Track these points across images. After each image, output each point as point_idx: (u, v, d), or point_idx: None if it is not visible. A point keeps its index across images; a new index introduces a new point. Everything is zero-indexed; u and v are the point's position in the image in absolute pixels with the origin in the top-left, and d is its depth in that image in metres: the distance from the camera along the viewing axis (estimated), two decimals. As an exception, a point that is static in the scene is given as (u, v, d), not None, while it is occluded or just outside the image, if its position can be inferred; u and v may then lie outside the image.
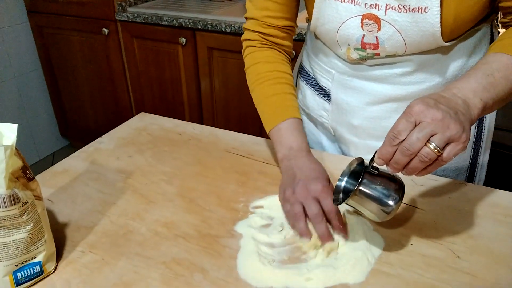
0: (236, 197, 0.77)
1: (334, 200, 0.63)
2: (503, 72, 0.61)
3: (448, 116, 0.53)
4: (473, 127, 0.84)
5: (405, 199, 0.75)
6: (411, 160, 0.54)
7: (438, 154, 0.53)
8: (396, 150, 0.54)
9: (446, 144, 0.53)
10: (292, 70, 0.89)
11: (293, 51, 0.91)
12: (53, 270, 0.61)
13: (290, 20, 0.85)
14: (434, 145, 0.53)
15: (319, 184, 0.68)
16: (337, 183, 0.65)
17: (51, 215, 0.73)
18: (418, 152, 0.53)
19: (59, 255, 0.64)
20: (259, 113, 0.84)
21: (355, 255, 0.63)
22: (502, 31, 0.73)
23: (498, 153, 1.47)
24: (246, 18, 0.87)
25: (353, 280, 0.59)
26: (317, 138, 0.98)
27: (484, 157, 0.88)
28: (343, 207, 0.69)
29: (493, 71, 0.61)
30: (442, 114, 0.53)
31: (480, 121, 0.85)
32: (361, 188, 0.58)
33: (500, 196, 0.75)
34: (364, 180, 0.58)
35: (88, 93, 2.36)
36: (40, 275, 0.59)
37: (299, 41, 1.63)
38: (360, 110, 0.83)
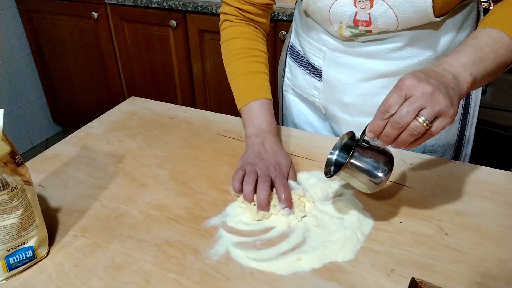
0: (228, 179, 0.77)
1: (325, 173, 0.64)
2: (492, 47, 0.62)
3: (438, 90, 0.54)
4: (461, 103, 0.85)
5: (394, 178, 0.76)
6: (400, 133, 0.55)
7: (427, 128, 0.54)
8: (387, 123, 0.56)
9: (435, 118, 0.55)
10: (275, 52, 0.89)
11: (279, 36, 0.92)
12: (45, 255, 0.62)
13: None
14: (423, 118, 0.54)
15: (278, 167, 0.73)
16: (329, 156, 0.67)
17: (42, 200, 0.73)
18: (408, 125, 0.54)
19: (51, 240, 0.65)
20: (232, 88, 0.86)
21: (345, 233, 0.63)
22: (486, 6, 0.73)
23: (484, 131, 1.49)
24: None
25: (343, 258, 0.60)
26: (307, 117, 0.98)
27: (470, 132, 0.89)
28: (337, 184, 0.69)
29: (482, 46, 0.62)
30: (432, 88, 0.54)
31: (467, 96, 0.85)
32: (352, 161, 0.59)
33: (487, 173, 0.76)
34: (355, 153, 0.59)
35: (80, 78, 2.34)
36: (32, 259, 0.60)
37: (283, 21, 1.62)
38: (352, 87, 0.84)
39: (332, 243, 0.62)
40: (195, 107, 2.08)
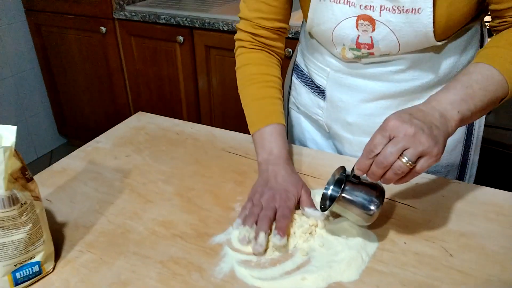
0: (234, 196, 0.78)
1: (321, 207, 0.68)
2: (482, 83, 0.63)
3: (421, 131, 0.56)
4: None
5: (399, 197, 0.76)
6: (386, 171, 0.58)
7: (411, 167, 0.57)
8: (372, 162, 0.58)
9: (420, 157, 0.57)
10: (286, 69, 0.90)
11: (285, 52, 0.93)
12: (51, 270, 0.62)
13: (282, 22, 0.86)
14: (407, 159, 0.56)
15: (284, 195, 0.71)
16: (324, 191, 0.70)
17: (49, 215, 0.74)
18: (392, 165, 0.57)
19: (57, 255, 0.65)
20: (245, 114, 0.86)
21: (350, 254, 0.64)
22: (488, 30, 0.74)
23: (489, 150, 1.49)
24: (240, 18, 0.88)
25: (348, 279, 0.60)
26: (311, 135, 0.99)
27: (475, 155, 0.89)
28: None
29: (472, 83, 0.63)
30: (415, 130, 0.56)
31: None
32: (343, 195, 0.62)
33: (491, 194, 0.77)
34: (346, 188, 0.62)
35: (86, 91, 2.37)
36: (38, 274, 0.60)
37: (294, 39, 1.64)
38: (355, 108, 0.84)
39: (337, 263, 0.62)
40: (200, 122, 2.09)
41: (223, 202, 0.76)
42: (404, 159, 0.56)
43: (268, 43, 0.87)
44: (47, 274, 0.62)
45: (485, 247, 0.65)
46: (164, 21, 1.89)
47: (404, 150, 0.56)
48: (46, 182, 0.83)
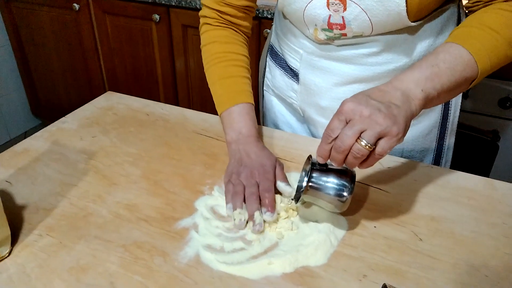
0: (203, 179, 0.76)
1: (295, 199, 0.66)
2: (450, 63, 0.61)
3: (377, 111, 0.54)
4: (439, 109, 0.85)
5: (371, 181, 0.75)
6: (347, 155, 0.56)
7: (370, 150, 0.55)
8: (332, 147, 0.56)
9: (380, 139, 0.55)
10: (259, 50, 0.87)
11: (264, 33, 0.89)
12: (7, 254, 0.59)
13: (249, 0, 0.83)
14: (365, 141, 0.54)
15: (261, 169, 0.70)
16: (298, 184, 0.68)
17: (8, 197, 0.70)
18: (350, 148, 0.55)
19: (15, 239, 0.62)
20: (212, 93, 0.83)
21: (318, 237, 0.62)
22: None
23: (465, 135, 1.50)
24: None
25: (315, 263, 0.59)
26: (286, 119, 0.97)
27: (450, 139, 0.88)
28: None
29: (439, 62, 0.61)
30: (370, 110, 0.54)
31: (446, 103, 0.85)
32: (310, 184, 0.61)
33: (464, 178, 0.76)
34: (314, 175, 0.61)
35: (60, 70, 2.29)
36: (-8, 259, 0.57)
37: (268, 19, 1.61)
38: (328, 91, 0.82)
39: (305, 247, 0.61)
40: (177, 103, 2.05)
41: (192, 185, 0.74)
42: (363, 142, 0.54)
43: (234, 21, 0.84)
44: (2, 259, 0.59)
45: (455, 232, 0.65)
46: (139, -2, 1.83)
47: (361, 132, 0.54)
48: (6, 163, 0.79)
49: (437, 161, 0.90)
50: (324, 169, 0.61)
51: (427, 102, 0.60)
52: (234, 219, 0.65)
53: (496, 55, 0.64)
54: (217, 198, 0.70)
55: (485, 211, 0.69)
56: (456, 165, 0.91)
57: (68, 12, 2.05)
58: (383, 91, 0.58)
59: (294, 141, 0.87)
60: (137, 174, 0.76)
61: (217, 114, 0.84)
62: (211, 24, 0.85)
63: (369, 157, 0.56)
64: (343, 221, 0.66)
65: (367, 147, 0.54)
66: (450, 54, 0.62)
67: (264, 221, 0.64)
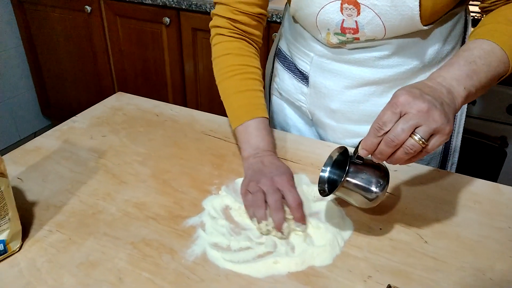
0: (210, 179, 0.76)
1: (320, 191, 0.63)
2: (485, 59, 0.61)
3: (434, 107, 0.52)
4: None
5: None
6: (395, 151, 0.54)
7: (423, 146, 0.53)
8: (381, 141, 0.54)
9: (431, 135, 0.53)
10: (266, 58, 0.88)
11: (272, 37, 0.89)
12: (18, 249, 0.61)
13: (262, 7, 0.82)
14: (419, 136, 0.52)
15: (284, 177, 0.68)
16: (321, 174, 0.65)
17: (20, 194, 0.72)
18: (403, 143, 0.53)
19: (25, 234, 0.63)
20: (226, 106, 0.82)
21: (325, 238, 0.63)
22: (477, 16, 0.73)
23: (471, 141, 1.49)
24: (215, 3, 0.84)
25: (321, 263, 0.60)
26: (294, 122, 0.98)
27: (456, 141, 0.89)
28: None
29: (475, 58, 0.61)
30: (428, 106, 0.52)
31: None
32: (348, 179, 0.58)
33: (470, 182, 0.76)
34: (351, 170, 0.58)
35: (70, 72, 2.32)
36: (4, 253, 0.58)
37: (276, 23, 1.62)
38: (338, 94, 0.83)
39: (311, 247, 0.61)
40: (185, 106, 2.07)
41: (199, 184, 0.75)
42: (417, 137, 0.52)
43: (248, 30, 0.83)
44: (13, 253, 0.60)
45: (460, 235, 0.65)
46: (150, 1, 1.85)
47: (415, 128, 0.52)
48: (18, 160, 0.80)
49: (443, 164, 0.90)
50: (360, 163, 0.58)
51: (467, 99, 0.59)
52: (261, 230, 0.64)
53: None
54: (224, 198, 0.71)
55: (491, 215, 0.69)
56: (464, 171, 0.90)
57: (80, 14, 2.08)
58: (431, 87, 0.56)
59: (301, 143, 0.88)
60: (146, 173, 0.78)
61: (225, 116, 0.84)
62: (223, 35, 0.83)
63: (417, 154, 0.54)
64: (349, 222, 0.67)
65: (420, 142, 0.52)
66: (484, 51, 0.61)
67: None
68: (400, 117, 0.53)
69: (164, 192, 0.73)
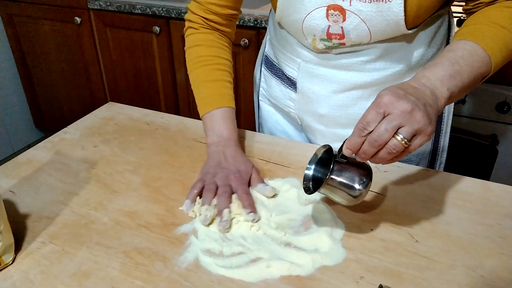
0: (202, 185, 0.77)
1: (305, 189, 0.64)
2: (468, 60, 0.62)
3: (417, 108, 0.53)
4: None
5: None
6: (379, 150, 0.55)
7: (406, 146, 0.54)
8: (365, 140, 0.55)
9: (413, 136, 0.54)
10: (255, 61, 0.88)
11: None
12: (11, 262, 0.61)
13: (234, 9, 0.86)
14: (402, 137, 0.53)
15: (238, 175, 0.73)
16: (306, 171, 0.66)
17: (12, 206, 0.72)
18: (386, 143, 0.54)
19: (18, 247, 0.63)
20: (195, 95, 0.86)
21: (316, 240, 0.63)
22: (464, 16, 0.74)
23: (459, 139, 1.51)
24: None
25: (313, 266, 0.60)
26: (283, 128, 0.98)
27: (444, 140, 0.90)
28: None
29: (458, 59, 0.61)
30: (411, 106, 0.53)
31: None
32: (332, 176, 0.59)
33: (460, 181, 0.77)
34: (335, 168, 0.59)
35: (62, 83, 2.32)
36: (-4, 266, 0.58)
37: (262, 29, 1.63)
38: (326, 99, 0.84)
39: (302, 251, 0.62)
40: (178, 113, 2.07)
41: (191, 191, 0.75)
42: (399, 137, 0.53)
43: (219, 27, 0.87)
44: (6, 266, 0.60)
45: (451, 233, 0.66)
46: (139, 11, 1.85)
47: (399, 128, 0.53)
48: (10, 173, 0.80)
49: (432, 164, 0.91)
50: (344, 162, 0.59)
51: (450, 100, 0.60)
52: (200, 214, 0.68)
53: (507, 50, 0.65)
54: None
55: (480, 212, 0.70)
56: (456, 170, 0.91)
57: (70, 25, 2.09)
58: (415, 87, 0.57)
59: (291, 147, 0.88)
60: (138, 181, 0.78)
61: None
62: (196, 28, 0.87)
63: (400, 154, 0.55)
64: (340, 224, 0.67)
65: (403, 142, 0.53)
66: (466, 51, 0.62)
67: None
68: (384, 117, 0.54)
69: (156, 200, 0.73)
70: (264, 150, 0.87)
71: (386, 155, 0.55)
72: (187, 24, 0.89)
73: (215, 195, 0.71)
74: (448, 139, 0.90)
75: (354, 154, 0.57)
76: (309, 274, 0.59)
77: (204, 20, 0.86)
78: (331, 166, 0.58)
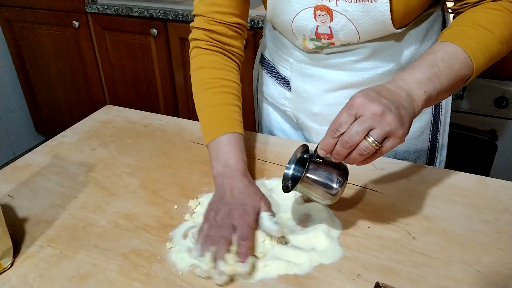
0: (200, 187, 0.77)
1: (283, 188, 0.65)
2: (448, 62, 0.62)
3: (388, 110, 0.54)
4: (430, 111, 0.86)
5: (364, 183, 0.76)
6: (351, 151, 0.55)
7: (377, 148, 0.55)
8: (337, 142, 0.56)
9: (385, 138, 0.55)
10: (253, 61, 0.88)
11: (243, 54, 0.86)
12: (9, 266, 0.61)
13: (239, 17, 0.81)
14: (373, 139, 0.54)
15: (241, 210, 0.64)
16: (285, 171, 0.67)
17: (10, 211, 0.72)
18: (357, 145, 0.55)
19: (17, 251, 0.64)
20: (200, 121, 0.79)
21: (314, 239, 0.63)
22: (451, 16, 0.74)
23: (459, 135, 1.50)
24: (194, 15, 0.83)
25: (310, 264, 0.60)
26: (281, 126, 0.99)
27: (443, 138, 0.89)
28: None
29: (438, 61, 0.61)
30: (382, 109, 0.54)
31: (437, 104, 0.86)
32: (307, 175, 0.60)
33: (456, 177, 0.77)
34: (310, 167, 0.60)
35: (62, 87, 2.33)
36: (-5, 271, 0.59)
37: (260, 29, 1.63)
38: (319, 98, 0.84)
39: (299, 250, 0.62)
40: (177, 115, 2.08)
41: (189, 193, 0.75)
42: (370, 139, 0.54)
43: (225, 41, 0.81)
44: (5, 270, 0.61)
45: (447, 229, 0.66)
46: (137, 13, 1.86)
47: (370, 130, 0.54)
48: (9, 178, 0.81)
49: (431, 162, 0.91)
50: (320, 162, 0.60)
51: (428, 103, 0.60)
52: (200, 266, 0.60)
53: (489, 53, 0.64)
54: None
55: (477, 208, 0.70)
56: (455, 166, 0.91)
57: (68, 29, 2.09)
58: (390, 90, 0.57)
59: (289, 146, 0.89)
60: (136, 184, 0.78)
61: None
62: (201, 48, 0.81)
63: (372, 155, 0.56)
64: (337, 222, 0.68)
65: (374, 144, 0.54)
66: (447, 53, 0.62)
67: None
68: (356, 119, 0.55)
69: (154, 202, 0.73)
70: (263, 150, 0.87)
71: (358, 156, 0.55)
72: (192, 44, 0.83)
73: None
74: (447, 137, 0.90)
75: (328, 155, 0.58)
76: (306, 273, 0.59)
77: (209, 34, 0.80)
78: (307, 165, 0.60)
